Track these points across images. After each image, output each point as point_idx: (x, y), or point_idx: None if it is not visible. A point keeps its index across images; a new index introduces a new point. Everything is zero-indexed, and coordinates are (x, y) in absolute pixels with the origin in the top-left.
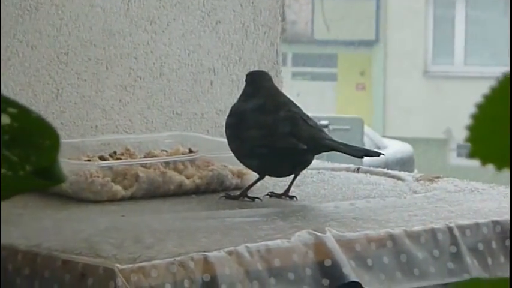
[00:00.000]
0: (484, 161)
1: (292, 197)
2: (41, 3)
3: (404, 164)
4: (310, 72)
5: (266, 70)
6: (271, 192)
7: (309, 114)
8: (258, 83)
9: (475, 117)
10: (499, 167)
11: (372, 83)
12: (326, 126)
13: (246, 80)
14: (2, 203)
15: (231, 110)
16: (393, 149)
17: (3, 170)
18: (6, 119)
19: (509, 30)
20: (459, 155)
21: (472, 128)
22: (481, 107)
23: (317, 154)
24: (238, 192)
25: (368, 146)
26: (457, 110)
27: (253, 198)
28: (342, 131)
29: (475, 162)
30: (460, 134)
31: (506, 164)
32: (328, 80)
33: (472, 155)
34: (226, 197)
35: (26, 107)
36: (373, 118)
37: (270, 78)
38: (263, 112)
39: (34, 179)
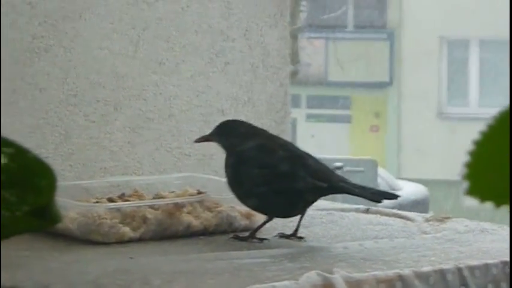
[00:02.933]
0: (483, 198)
1: (300, 238)
2: (50, 46)
3: (419, 205)
4: (324, 114)
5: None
6: (280, 233)
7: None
8: (249, 127)
9: (473, 154)
10: (498, 204)
11: (386, 124)
12: (340, 167)
13: (230, 127)
14: (8, 246)
15: (232, 154)
16: (407, 190)
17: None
18: (3, 159)
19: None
20: None
21: (469, 165)
22: (478, 143)
23: (329, 195)
24: (246, 234)
25: (382, 188)
26: None
27: (261, 240)
28: (356, 173)
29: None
30: None
31: (506, 200)
32: (342, 122)
33: (469, 192)
34: (235, 238)
35: (23, 147)
36: (387, 160)
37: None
38: (270, 154)
39: (31, 220)
